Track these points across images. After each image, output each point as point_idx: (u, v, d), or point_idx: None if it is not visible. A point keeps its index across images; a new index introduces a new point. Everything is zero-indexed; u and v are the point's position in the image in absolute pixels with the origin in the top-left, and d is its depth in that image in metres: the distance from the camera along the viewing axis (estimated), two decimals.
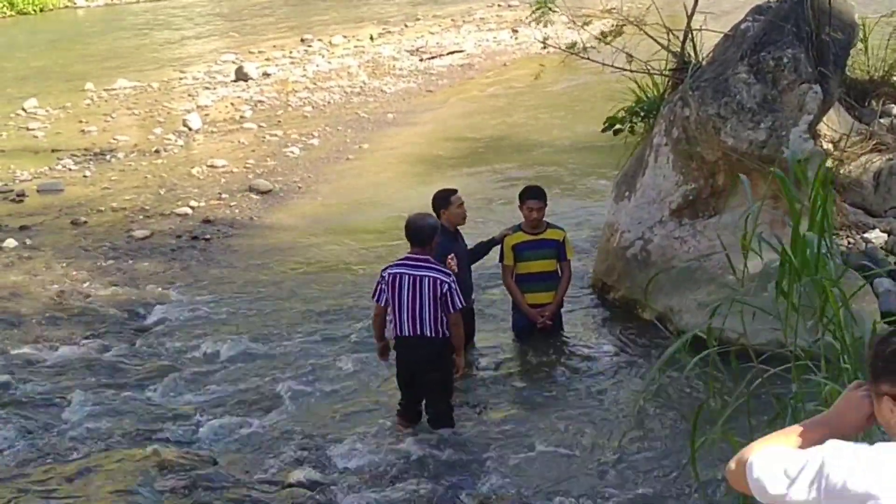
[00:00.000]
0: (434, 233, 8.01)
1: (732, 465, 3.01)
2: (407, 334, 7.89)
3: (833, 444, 2.87)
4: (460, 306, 7.89)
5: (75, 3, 35.35)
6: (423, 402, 8.17)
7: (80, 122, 19.58)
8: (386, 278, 7.92)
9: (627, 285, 9.97)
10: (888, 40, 12.79)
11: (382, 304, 7.97)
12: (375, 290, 8.05)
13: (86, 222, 13.81)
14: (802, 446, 2.95)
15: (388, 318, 8.04)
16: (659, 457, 7.66)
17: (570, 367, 9.35)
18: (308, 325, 10.30)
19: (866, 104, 12.03)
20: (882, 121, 11.69)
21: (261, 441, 8.19)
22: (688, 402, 8.15)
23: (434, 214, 8.68)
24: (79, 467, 7.50)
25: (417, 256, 7.90)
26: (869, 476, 2.75)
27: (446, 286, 7.77)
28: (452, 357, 8.02)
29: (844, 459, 2.80)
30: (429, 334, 7.84)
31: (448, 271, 7.96)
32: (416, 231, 7.96)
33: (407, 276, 7.83)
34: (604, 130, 12.51)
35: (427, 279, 7.78)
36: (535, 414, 8.47)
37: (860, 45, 11.99)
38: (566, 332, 9.78)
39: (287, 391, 8.92)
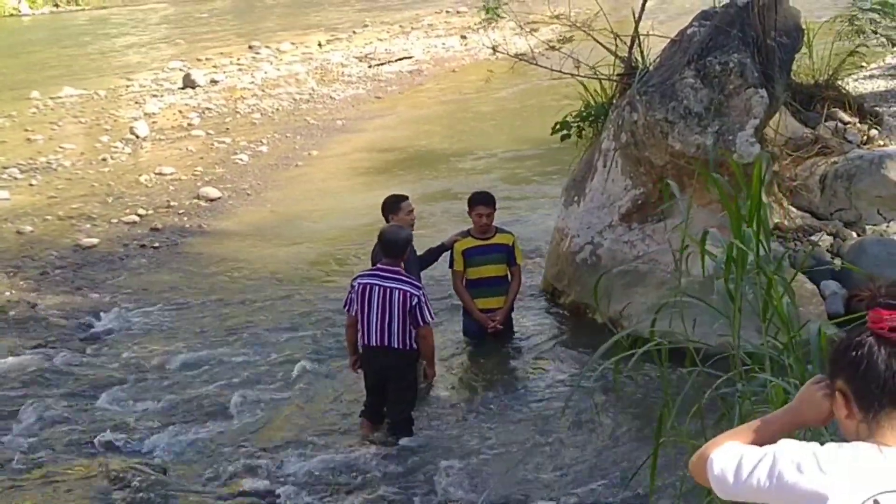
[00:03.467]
0: (407, 246, 8.07)
1: (694, 458, 3.06)
2: (374, 345, 7.91)
3: (786, 443, 2.91)
4: (430, 319, 7.91)
5: (20, 11, 35.03)
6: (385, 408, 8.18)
7: (26, 130, 19.40)
8: (356, 288, 7.94)
9: (577, 290, 9.99)
10: (832, 45, 12.92)
11: (353, 314, 7.98)
12: (346, 299, 8.07)
13: (32, 231, 13.68)
14: (761, 442, 2.99)
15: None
16: (613, 458, 7.68)
17: (521, 371, 9.38)
18: (259, 333, 10.25)
19: (812, 108, 12.13)
20: (827, 125, 11.80)
21: (212, 450, 8.13)
22: (640, 403, 8.21)
23: (383, 221, 8.68)
24: (26, 479, 7.42)
25: (388, 268, 7.91)
26: (819, 476, 2.79)
27: (416, 299, 7.78)
28: (418, 368, 8.06)
29: (797, 458, 2.84)
30: (396, 346, 7.86)
31: (419, 284, 7.99)
32: (389, 244, 7.98)
33: (377, 288, 7.84)
34: (553, 133, 12.54)
35: (397, 291, 7.79)
36: (487, 419, 8.47)
37: (805, 50, 12.09)
38: (517, 337, 9.80)
39: (238, 399, 8.87)
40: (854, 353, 2.89)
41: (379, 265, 8.06)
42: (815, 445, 2.89)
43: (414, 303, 7.78)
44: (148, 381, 9.34)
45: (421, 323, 7.84)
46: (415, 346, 7.93)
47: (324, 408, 8.78)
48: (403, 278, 7.88)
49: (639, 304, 9.12)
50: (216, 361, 9.68)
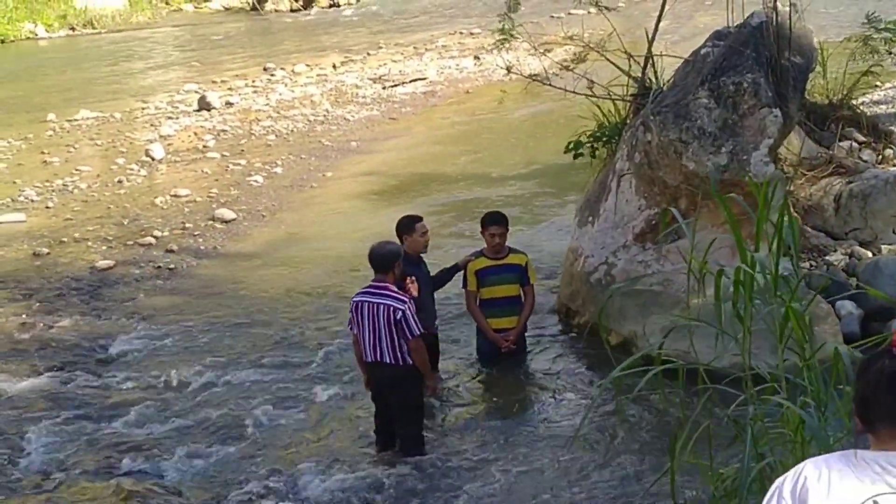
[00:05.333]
0: (395, 259, 8.06)
1: None
2: (370, 360, 7.99)
3: (779, 480, 2.97)
4: (417, 332, 7.91)
5: (37, 35, 35.22)
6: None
7: (43, 153, 19.47)
8: (353, 306, 7.98)
9: (592, 310, 9.97)
10: (847, 64, 12.91)
11: (355, 332, 8.02)
12: (349, 318, 8.12)
13: (48, 253, 13.72)
14: None
15: None
16: (624, 480, 7.66)
17: (534, 391, 9.37)
18: (273, 354, 10.26)
19: (826, 128, 12.11)
20: (841, 144, 11.78)
21: (227, 471, 8.14)
22: (653, 424, 8.19)
23: (397, 241, 8.73)
24: (42, 501, 7.43)
25: (378, 284, 7.97)
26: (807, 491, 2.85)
27: (400, 313, 7.80)
28: (417, 382, 8.05)
29: (792, 477, 2.89)
30: (388, 361, 7.91)
31: (404, 298, 7.97)
32: (376, 258, 8.04)
33: (367, 304, 7.89)
34: (566, 152, 12.55)
35: (382, 306, 7.83)
36: (500, 439, 8.46)
37: (819, 70, 12.07)
38: (530, 357, 9.79)
39: (253, 420, 8.89)
40: (861, 369, 2.96)
41: (371, 281, 8.10)
42: (803, 466, 2.94)
43: (398, 317, 7.80)
44: (163, 402, 9.36)
45: (409, 336, 7.87)
46: (409, 360, 7.94)
47: (339, 428, 8.79)
48: (389, 293, 7.90)
49: (654, 325, 9.10)
50: (232, 383, 9.70)
